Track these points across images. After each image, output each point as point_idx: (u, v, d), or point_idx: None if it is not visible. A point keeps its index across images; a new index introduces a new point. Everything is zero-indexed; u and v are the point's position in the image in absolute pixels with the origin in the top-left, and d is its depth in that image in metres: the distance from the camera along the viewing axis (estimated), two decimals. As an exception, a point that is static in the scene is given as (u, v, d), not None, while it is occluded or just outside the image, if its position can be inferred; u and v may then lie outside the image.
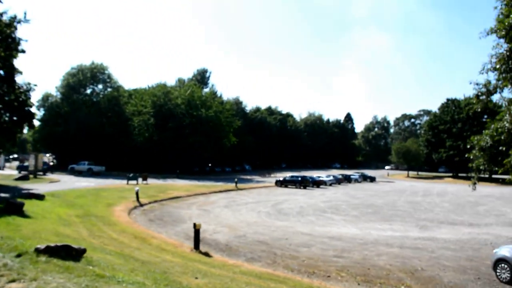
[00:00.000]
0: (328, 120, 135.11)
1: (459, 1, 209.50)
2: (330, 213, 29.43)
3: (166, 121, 66.39)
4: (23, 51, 30.97)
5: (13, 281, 5.87)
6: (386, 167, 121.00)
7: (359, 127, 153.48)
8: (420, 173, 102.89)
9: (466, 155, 14.66)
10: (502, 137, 12.51)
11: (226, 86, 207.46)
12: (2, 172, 56.41)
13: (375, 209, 32.23)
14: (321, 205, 33.62)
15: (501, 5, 12.23)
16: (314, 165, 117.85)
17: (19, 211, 17.38)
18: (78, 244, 9.06)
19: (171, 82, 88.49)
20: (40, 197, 24.65)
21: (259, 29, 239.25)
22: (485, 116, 76.32)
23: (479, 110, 15.71)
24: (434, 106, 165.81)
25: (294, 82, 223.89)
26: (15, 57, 31.05)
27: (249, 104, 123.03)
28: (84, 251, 8.41)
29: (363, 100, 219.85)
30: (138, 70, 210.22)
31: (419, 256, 16.23)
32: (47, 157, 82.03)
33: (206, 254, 15.26)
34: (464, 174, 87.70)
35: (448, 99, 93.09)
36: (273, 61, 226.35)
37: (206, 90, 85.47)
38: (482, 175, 15.14)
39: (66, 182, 41.84)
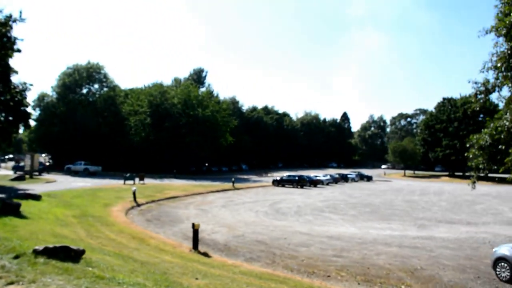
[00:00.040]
0: (324, 119, 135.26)
1: (454, 1, 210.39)
2: (328, 212, 29.39)
3: (162, 120, 66.24)
4: (18, 51, 30.80)
5: (11, 283, 5.76)
6: (383, 166, 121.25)
7: (355, 126, 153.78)
8: (416, 172, 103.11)
9: (466, 154, 14.65)
10: (502, 136, 12.48)
11: (222, 85, 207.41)
12: (-2, 172, 56.05)
13: (373, 208, 32.24)
14: (318, 205, 33.59)
15: (501, 3, 12.20)
16: (311, 164, 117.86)
17: (15, 211, 17.21)
18: (76, 245, 8.94)
19: (167, 81, 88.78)
20: (36, 197, 24.45)
21: (255, 29, 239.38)
22: (481, 115, 76.71)
23: (477, 108, 15.69)
24: (431, 105, 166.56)
25: (291, 81, 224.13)
26: (10, 56, 30.86)
27: (246, 104, 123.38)
28: (83, 252, 8.30)
29: (359, 99, 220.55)
30: (134, 69, 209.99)
31: (418, 255, 16.20)
32: (43, 157, 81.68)
33: (205, 255, 15.17)
34: (460, 173, 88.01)
35: (444, 98, 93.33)
36: (269, 60, 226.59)
37: (203, 89, 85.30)
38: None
39: (62, 182, 41.63)
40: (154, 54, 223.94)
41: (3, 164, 77.86)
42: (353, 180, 68.92)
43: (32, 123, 56.91)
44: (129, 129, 67.30)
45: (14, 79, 32.97)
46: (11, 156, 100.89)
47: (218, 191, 42.64)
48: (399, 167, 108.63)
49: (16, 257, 7.31)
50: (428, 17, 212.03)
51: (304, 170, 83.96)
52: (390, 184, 65.85)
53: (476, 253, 16.86)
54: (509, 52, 11.21)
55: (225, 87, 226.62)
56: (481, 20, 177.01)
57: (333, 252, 16.55)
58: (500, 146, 13.12)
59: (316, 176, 58.15)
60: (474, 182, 14.32)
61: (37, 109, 71.38)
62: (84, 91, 72.81)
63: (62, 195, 29.20)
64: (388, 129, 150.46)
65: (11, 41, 30.06)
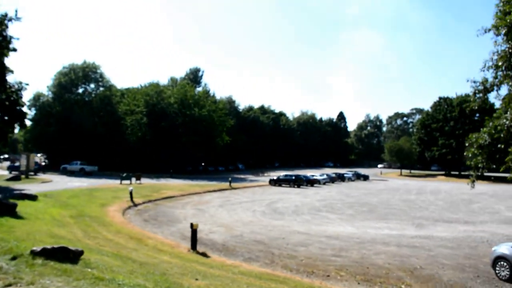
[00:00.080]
0: (321, 119, 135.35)
1: (449, 0, 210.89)
2: (326, 212, 29.36)
3: (159, 120, 66.03)
4: (14, 50, 30.61)
5: (9, 285, 5.67)
6: (379, 166, 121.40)
7: (351, 125, 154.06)
8: (412, 171, 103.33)
9: (465, 153, 14.61)
10: (502, 135, 12.45)
11: (219, 85, 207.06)
12: (-7, 172, 55.71)
13: (370, 208, 32.24)
14: (316, 204, 33.55)
15: (501, 2, 12.17)
16: (307, 164, 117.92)
17: (12, 212, 17.04)
18: (73, 245, 8.84)
19: (163, 81, 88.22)
20: (32, 197, 24.27)
21: (251, 28, 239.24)
22: (477, 115, 76.93)
23: (476, 107, 15.69)
24: (427, 104, 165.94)
25: (287, 81, 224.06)
26: (6, 55, 30.67)
27: (242, 103, 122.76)
28: (81, 253, 8.20)
29: (355, 99, 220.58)
30: (130, 69, 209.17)
31: (417, 255, 16.17)
32: (39, 157, 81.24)
33: (204, 255, 15.07)
34: (456, 172, 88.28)
35: (440, 98, 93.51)
36: (265, 60, 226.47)
37: (199, 89, 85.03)
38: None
39: (58, 182, 41.39)
40: (150, 54, 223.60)
41: (-2, 164, 77.37)
42: (349, 179, 69.01)
43: (28, 123, 56.56)
44: (126, 129, 67.03)
45: (10, 78, 32.81)
46: (6, 156, 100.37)
47: (215, 190, 42.53)
48: (395, 166, 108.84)
49: (14, 258, 7.21)
50: (424, 17, 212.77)
51: (301, 170, 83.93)
52: (387, 184, 65.94)
53: (474, 252, 16.87)
54: (510, 51, 11.18)
55: (221, 87, 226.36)
56: (476, 20, 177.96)
57: (332, 251, 16.50)
58: (499, 145, 13.09)
59: (313, 176, 58.14)
60: (473, 181, 14.30)
61: (33, 108, 70.99)
62: (80, 90, 72.39)
63: (58, 195, 29.02)
64: (384, 129, 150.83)
65: (7, 40, 29.86)
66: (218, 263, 13.49)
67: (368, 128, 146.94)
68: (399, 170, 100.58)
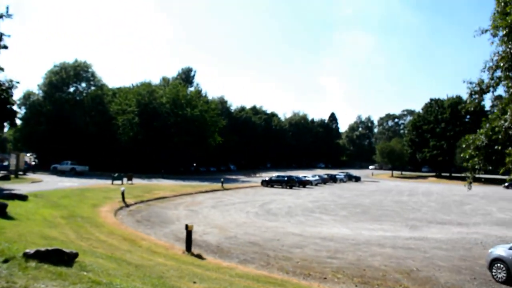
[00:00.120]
0: (312, 119, 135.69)
1: (441, 2, 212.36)
2: (319, 213, 29.27)
3: (151, 120, 65.58)
4: (5, 47, 30.19)
5: (2, 289, 5.44)
6: (370, 167, 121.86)
7: (343, 127, 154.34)
8: (404, 172, 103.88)
9: (462, 154, 14.49)
10: (500, 136, 12.40)
11: (211, 85, 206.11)
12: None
13: (363, 209, 32.22)
14: (309, 205, 33.46)
15: (501, 2, 12.12)
16: (299, 164, 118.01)
17: (2, 212, 16.64)
18: (66, 247, 8.60)
19: (155, 81, 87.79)
20: (23, 197, 23.79)
21: (243, 29, 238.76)
22: (468, 116, 77.52)
23: (471, 109, 15.63)
24: (418, 106, 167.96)
25: (279, 81, 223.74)
26: (-4, 53, 30.19)
27: (234, 104, 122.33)
28: (76, 255, 7.96)
29: (347, 100, 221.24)
30: (122, 68, 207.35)
31: (412, 257, 16.13)
32: (28, 157, 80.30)
33: (199, 256, 14.85)
34: (447, 174, 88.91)
35: (431, 99, 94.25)
36: (257, 61, 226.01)
37: (191, 89, 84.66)
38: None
39: (48, 182, 40.84)
40: (142, 53, 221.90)
41: (-14, 164, 76.24)
42: (341, 180, 69.11)
43: (18, 121, 55.90)
44: (117, 129, 66.45)
45: (0, 76, 32.29)
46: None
47: (207, 191, 42.26)
48: (386, 167, 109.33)
49: (6, 261, 6.93)
50: (415, 18, 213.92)
51: (293, 171, 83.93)
52: (379, 185, 66.17)
53: (469, 254, 16.88)
54: (511, 51, 11.13)
55: (213, 87, 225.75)
56: (466, 22, 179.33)
57: (327, 253, 16.38)
58: (496, 147, 13.03)
59: (305, 177, 58.04)
60: (470, 183, 14.24)
61: (23, 107, 70.19)
62: (71, 89, 71.73)
63: (49, 195, 28.56)
64: (375, 130, 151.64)
65: (-3, 38, 29.42)
66: (214, 265, 13.28)
67: (360, 129, 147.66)
68: (390, 172, 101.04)
